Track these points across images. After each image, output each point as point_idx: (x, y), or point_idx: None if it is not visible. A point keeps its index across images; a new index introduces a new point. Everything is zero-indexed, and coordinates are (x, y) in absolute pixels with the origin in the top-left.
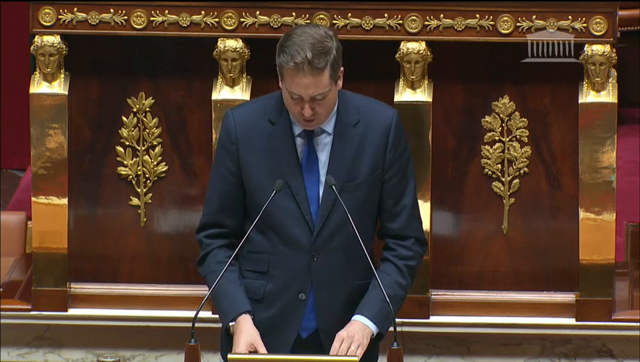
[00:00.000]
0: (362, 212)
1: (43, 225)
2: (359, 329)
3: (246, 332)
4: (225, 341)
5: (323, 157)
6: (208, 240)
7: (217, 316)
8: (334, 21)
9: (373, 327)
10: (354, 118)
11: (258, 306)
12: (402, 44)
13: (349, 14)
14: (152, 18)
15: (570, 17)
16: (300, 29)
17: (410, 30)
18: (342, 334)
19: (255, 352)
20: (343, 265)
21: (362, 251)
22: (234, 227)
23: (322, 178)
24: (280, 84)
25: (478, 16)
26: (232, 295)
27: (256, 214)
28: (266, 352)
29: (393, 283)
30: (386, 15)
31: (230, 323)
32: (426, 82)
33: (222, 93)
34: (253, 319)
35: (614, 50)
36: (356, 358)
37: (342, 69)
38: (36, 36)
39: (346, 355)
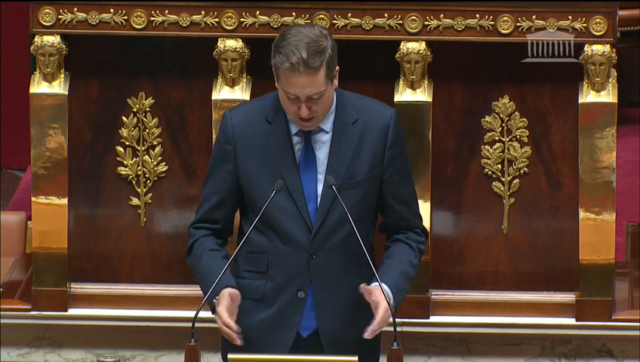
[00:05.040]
0: (360, 210)
1: (43, 225)
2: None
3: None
4: (225, 341)
5: (321, 155)
6: (195, 230)
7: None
8: (334, 21)
9: (391, 301)
10: (352, 116)
11: (258, 306)
12: (402, 44)
13: (349, 14)
14: (152, 18)
15: (570, 17)
16: (294, 29)
17: (410, 30)
18: (387, 305)
19: (255, 352)
20: (342, 264)
21: (361, 250)
22: (225, 224)
23: (320, 176)
24: (276, 84)
25: (478, 16)
26: (216, 273)
27: (254, 214)
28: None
29: (407, 263)
30: (386, 15)
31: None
32: (426, 82)
33: (222, 93)
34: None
35: (614, 50)
36: (356, 358)
37: (337, 68)
38: (36, 36)
39: (345, 355)
